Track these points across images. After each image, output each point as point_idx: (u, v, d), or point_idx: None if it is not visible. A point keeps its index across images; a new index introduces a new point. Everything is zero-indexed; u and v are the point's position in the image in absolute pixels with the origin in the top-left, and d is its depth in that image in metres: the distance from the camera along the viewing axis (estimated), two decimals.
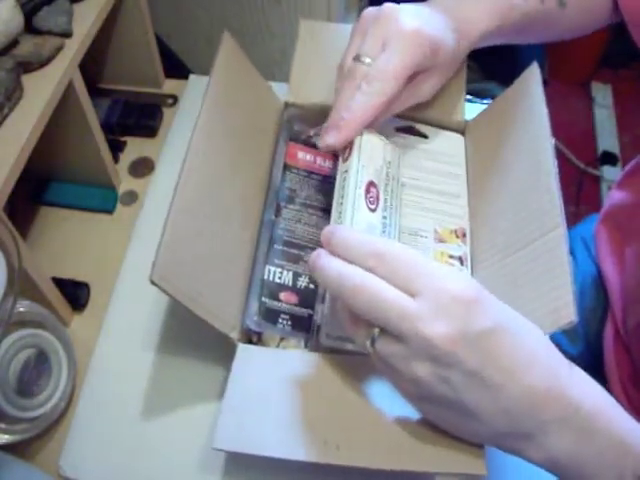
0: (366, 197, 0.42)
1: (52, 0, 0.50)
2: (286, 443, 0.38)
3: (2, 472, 0.43)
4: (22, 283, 0.41)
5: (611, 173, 1.57)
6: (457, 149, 0.55)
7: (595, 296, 0.66)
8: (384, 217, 0.43)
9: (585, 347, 0.67)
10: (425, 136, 0.55)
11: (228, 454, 0.47)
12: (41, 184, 0.63)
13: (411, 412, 0.38)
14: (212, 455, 0.47)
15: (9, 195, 0.43)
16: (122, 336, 0.54)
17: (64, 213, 0.63)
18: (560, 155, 1.58)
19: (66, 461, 0.47)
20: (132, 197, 0.64)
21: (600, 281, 0.66)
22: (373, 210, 0.42)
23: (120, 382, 0.51)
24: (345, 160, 0.45)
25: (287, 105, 0.56)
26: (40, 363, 0.47)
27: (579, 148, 1.61)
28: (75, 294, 0.56)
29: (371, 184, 0.43)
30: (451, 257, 0.48)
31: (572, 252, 0.71)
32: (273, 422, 0.39)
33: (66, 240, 0.61)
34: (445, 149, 0.54)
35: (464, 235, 0.50)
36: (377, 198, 0.43)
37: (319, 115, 0.55)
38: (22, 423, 0.45)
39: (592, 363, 0.65)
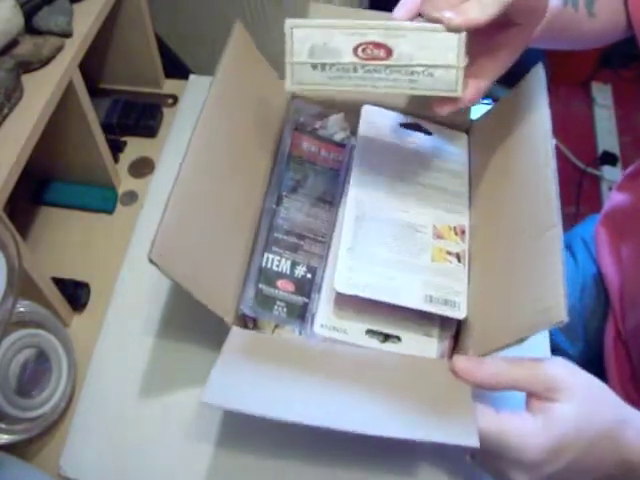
0: (364, 48, 0.40)
1: (52, 0, 0.50)
2: (273, 404, 0.38)
3: (2, 472, 0.43)
4: (22, 283, 0.41)
5: (611, 173, 1.57)
6: (460, 147, 0.55)
7: (595, 296, 0.66)
8: (355, 69, 0.40)
9: (585, 347, 0.67)
10: (429, 133, 0.55)
11: (225, 453, 0.47)
12: (41, 184, 0.63)
13: (402, 391, 0.39)
14: (212, 455, 0.47)
15: (9, 195, 0.43)
16: (122, 336, 0.54)
17: (64, 213, 0.63)
18: (560, 155, 1.58)
19: (66, 461, 0.47)
20: (132, 197, 0.64)
21: (600, 281, 0.66)
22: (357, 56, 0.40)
23: (120, 382, 0.51)
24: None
25: (294, 96, 0.56)
26: (40, 363, 0.47)
27: (579, 148, 1.61)
28: (75, 294, 0.56)
29: (383, 47, 0.40)
30: (449, 253, 0.48)
31: (573, 252, 0.71)
32: (262, 386, 0.40)
33: (66, 240, 0.61)
34: (448, 147, 0.55)
35: (463, 232, 0.50)
36: (373, 58, 0.40)
37: (325, 107, 0.55)
38: (22, 423, 0.45)
39: (592, 363, 0.65)
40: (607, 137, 1.65)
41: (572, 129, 1.66)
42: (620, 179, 0.68)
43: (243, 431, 0.49)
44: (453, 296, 0.46)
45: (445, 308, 0.46)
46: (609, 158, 1.60)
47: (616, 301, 0.62)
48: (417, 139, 0.54)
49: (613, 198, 0.68)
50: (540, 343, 0.53)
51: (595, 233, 0.68)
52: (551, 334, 0.54)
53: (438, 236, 0.49)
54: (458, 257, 0.48)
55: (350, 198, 0.50)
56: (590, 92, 1.75)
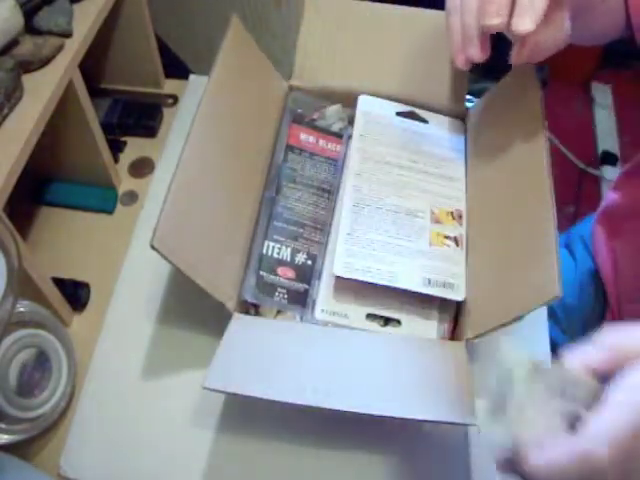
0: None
1: (52, 0, 0.50)
2: (272, 387, 0.39)
3: (2, 472, 0.43)
4: (22, 283, 0.41)
5: (611, 173, 1.56)
6: (457, 134, 0.56)
7: (594, 295, 0.67)
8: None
9: None
10: (425, 121, 0.56)
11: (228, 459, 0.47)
12: (41, 184, 0.63)
13: (402, 369, 0.40)
14: (212, 454, 0.47)
15: (9, 195, 0.43)
16: (122, 336, 0.54)
17: (64, 213, 0.63)
18: (560, 155, 1.58)
19: (66, 461, 0.47)
20: (132, 197, 0.64)
21: (598, 279, 0.66)
22: None
23: (120, 382, 0.51)
24: None
25: (291, 88, 0.57)
26: (40, 363, 0.47)
27: (579, 148, 1.60)
28: (75, 294, 0.56)
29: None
30: (447, 237, 0.49)
31: (572, 252, 0.71)
32: (262, 370, 0.40)
33: (66, 240, 0.61)
34: (445, 134, 0.56)
35: (460, 217, 0.50)
36: None
37: (323, 98, 0.56)
38: (22, 423, 0.45)
39: None
40: (607, 137, 1.65)
41: (572, 129, 1.66)
42: (616, 178, 0.69)
43: (246, 432, 0.49)
44: (451, 279, 0.47)
45: (444, 290, 0.46)
46: (609, 158, 1.60)
47: (613, 298, 0.62)
48: (414, 127, 0.55)
49: (609, 196, 0.68)
50: (540, 342, 0.53)
51: (592, 231, 0.68)
52: (551, 333, 0.54)
53: (436, 221, 0.50)
54: (456, 241, 0.49)
55: (348, 186, 0.51)
56: (590, 92, 1.75)
